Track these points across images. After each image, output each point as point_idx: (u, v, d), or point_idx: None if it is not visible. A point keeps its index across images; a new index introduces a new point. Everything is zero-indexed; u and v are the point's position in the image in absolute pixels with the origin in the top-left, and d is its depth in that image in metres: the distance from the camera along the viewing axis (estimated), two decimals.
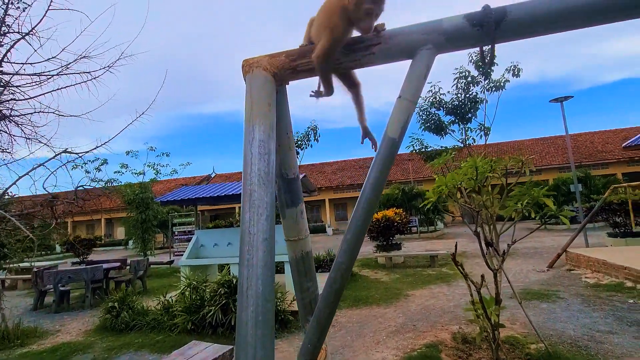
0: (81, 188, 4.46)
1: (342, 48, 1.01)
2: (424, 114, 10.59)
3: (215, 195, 7.47)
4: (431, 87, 10.32)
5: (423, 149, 11.40)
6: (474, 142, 11.03)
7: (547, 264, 8.05)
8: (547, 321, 4.39)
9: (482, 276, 3.41)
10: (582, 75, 77.88)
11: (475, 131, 10.84)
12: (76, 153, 4.04)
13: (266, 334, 0.94)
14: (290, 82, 1.22)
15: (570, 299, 5.31)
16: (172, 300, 5.70)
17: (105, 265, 8.32)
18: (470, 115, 10.45)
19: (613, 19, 0.94)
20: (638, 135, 6.99)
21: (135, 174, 17.97)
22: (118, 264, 9.40)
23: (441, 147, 11.34)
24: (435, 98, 10.43)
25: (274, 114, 1.04)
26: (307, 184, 7.67)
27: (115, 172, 18.17)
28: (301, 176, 7.06)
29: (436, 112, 10.86)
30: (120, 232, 29.03)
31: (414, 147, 11.60)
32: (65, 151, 4.00)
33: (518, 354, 3.52)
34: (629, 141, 7.24)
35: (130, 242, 20.66)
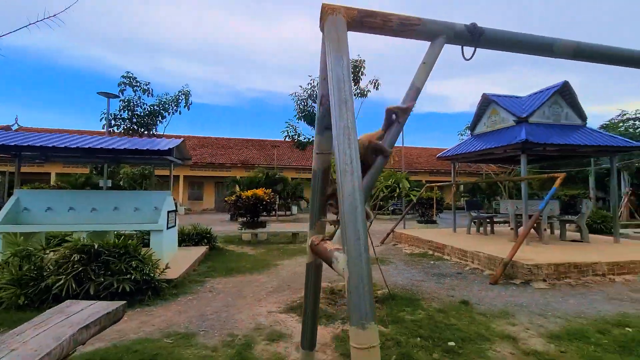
0: None
1: None
2: (301, 103, 11.45)
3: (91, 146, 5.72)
4: (311, 79, 11.30)
5: (296, 137, 12.24)
6: None
7: (379, 240, 10.17)
8: (387, 276, 5.74)
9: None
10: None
11: None
12: None
13: None
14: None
15: (397, 263, 7.03)
16: None
17: None
18: None
19: (543, 53, 1.63)
20: (448, 148, 9.75)
21: None
22: None
23: (308, 136, 12.48)
24: (313, 90, 11.43)
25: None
26: (183, 151, 7.15)
27: None
28: (179, 142, 6.56)
29: (312, 104, 11.86)
30: None
31: (287, 132, 12.32)
32: None
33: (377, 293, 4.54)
34: (441, 153, 9.98)
35: None
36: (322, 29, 1.39)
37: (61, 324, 2.25)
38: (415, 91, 1.46)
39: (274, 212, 17.87)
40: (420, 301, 4.42)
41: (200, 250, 7.48)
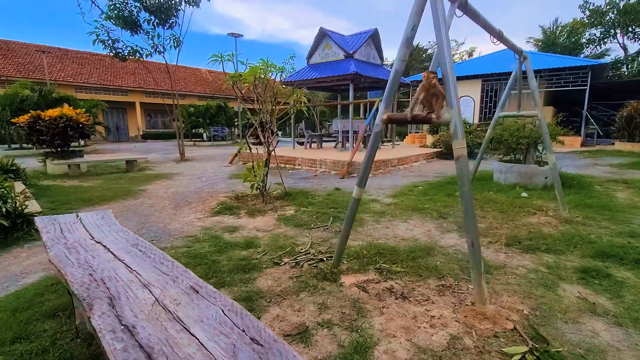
0: None
1: None
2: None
3: None
4: None
5: (109, 42, 9.79)
6: (163, 49, 11.16)
7: (226, 162, 10.82)
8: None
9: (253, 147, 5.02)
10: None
11: (168, 39, 10.99)
12: None
13: None
14: None
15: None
16: None
17: None
18: (173, 20, 10.36)
19: None
20: (291, 74, 10.98)
21: None
22: None
23: (134, 45, 10.38)
24: None
25: None
26: None
27: None
28: None
29: (134, 3, 9.66)
30: None
31: (97, 36, 9.64)
32: None
33: (272, 195, 5.57)
34: (284, 79, 11.18)
35: None
36: None
37: None
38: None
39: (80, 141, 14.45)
40: (309, 192, 5.88)
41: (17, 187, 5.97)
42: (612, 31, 23.33)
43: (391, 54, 41.29)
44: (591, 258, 2.98)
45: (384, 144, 12.07)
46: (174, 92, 11.89)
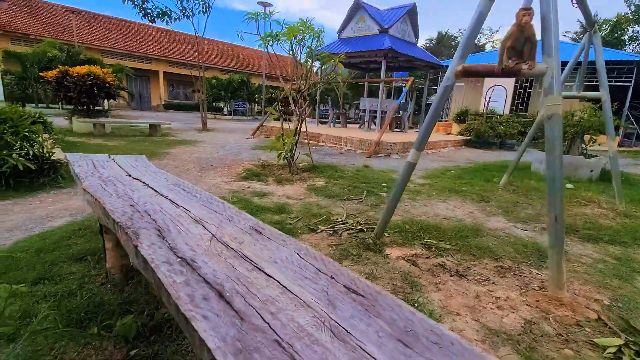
0: None
1: None
2: None
3: None
4: None
5: (139, 1, 9.55)
6: (192, 14, 10.88)
7: (248, 135, 10.61)
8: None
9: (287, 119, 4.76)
10: None
11: (198, 3, 10.70)
12: None
13: None
14: None
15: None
16: None
17: None
18: None
19: None
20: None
21: None
22: None
23: (163, 7, 10.13)
24: None
25: None
26: None
27: None
28: None
29: None
30: None
31: None
32: None
33: (299, 167, 5.34)
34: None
35: None
36: None
37: None
38: None
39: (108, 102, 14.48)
40: (337, 167, 5.61)
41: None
42: None
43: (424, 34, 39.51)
44: None
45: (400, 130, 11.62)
46: (200, 64, 11.64)
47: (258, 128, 10.93)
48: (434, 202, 3.88)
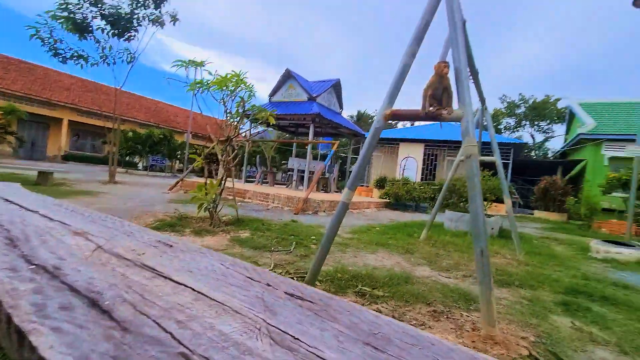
0: None
1: None
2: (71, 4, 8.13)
3: None
4: None
5: (50, 40, 8.69)
6: (114, 62, 10.34)
7: (165, 190, 9.79)
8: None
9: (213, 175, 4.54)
10: None
11: (121, 52, 10.25)
12: None
13: None
14: None
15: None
16: None
17: None
18: (131, 34, 9.73)
19: None
20: None
21: None
22: None
23: (78, 49, 9.36)
24: None
25: None
26: None
27: None
28: None
29: (92, 8, 8.90)
30: None
31: (37, 31, 8.48)
32: None
33: (222, 220, 4.93)
34: None
35: None
36: None
37: None
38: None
39: None
40: (264, 220, 5.33)
41: None
42: (523, 122, 27.96)
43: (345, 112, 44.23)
44: (563, 294, 2.93)
45: (326, 191, 12.09)
46: (115, 115, 10.87)
47: (177, 183, 10.18)
48: (363, 253, 3.84)
